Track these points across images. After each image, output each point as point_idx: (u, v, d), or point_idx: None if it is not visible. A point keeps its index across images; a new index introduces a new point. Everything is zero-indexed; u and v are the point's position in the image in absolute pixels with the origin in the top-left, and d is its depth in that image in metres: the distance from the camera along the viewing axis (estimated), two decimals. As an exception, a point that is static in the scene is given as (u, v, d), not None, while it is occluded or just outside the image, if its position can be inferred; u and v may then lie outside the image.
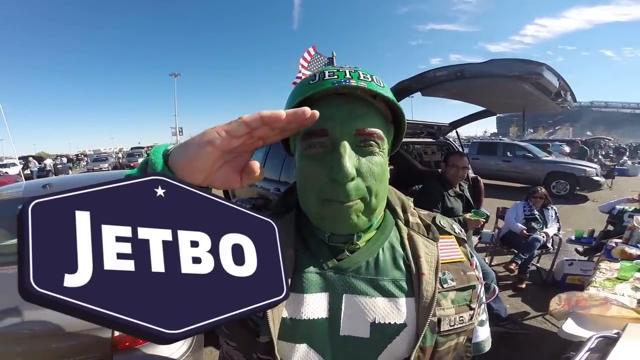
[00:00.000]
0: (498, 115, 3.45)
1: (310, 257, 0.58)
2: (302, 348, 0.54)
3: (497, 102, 2.76)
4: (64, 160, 22.59)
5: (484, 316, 0.68)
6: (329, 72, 0.54)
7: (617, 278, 2.21)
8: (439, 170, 3.52)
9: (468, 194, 2.82)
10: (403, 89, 2.21)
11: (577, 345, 1.21)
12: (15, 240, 2.04)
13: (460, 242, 0.67)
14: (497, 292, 0.71)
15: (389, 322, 0.54)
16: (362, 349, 0.54)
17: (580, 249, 4.01)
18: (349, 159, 0.51)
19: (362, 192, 0.53)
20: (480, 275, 0.67)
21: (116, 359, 1.55)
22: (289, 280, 0.50)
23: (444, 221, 0.68)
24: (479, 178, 3.53)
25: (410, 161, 4.28)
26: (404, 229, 0.62)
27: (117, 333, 1.54)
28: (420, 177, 3.97)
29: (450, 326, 0.57)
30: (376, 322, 0.54)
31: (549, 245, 3.71)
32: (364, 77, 0.53)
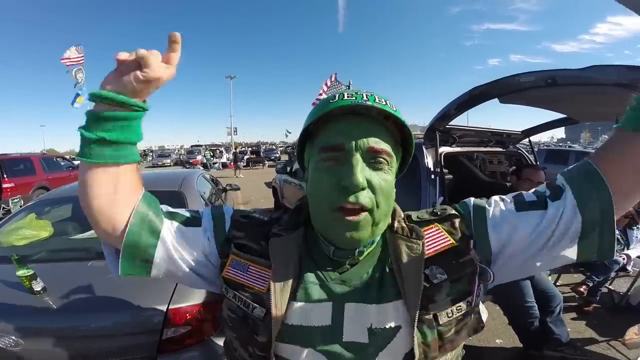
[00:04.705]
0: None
1: (316, 270, 0.64)
2: (307, 352, 0.59)
3: (585, 110, 2.44)
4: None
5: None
6: (347, 94, 0.60)
7: None
8: (508, 183, 3.21)
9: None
10: (479, 95, 2.01)
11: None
12: (82, 235, 2.20)
13: (446, 220, 0.67)
14: (491, 279, 0.62)
15: (384, 327, 0.59)
16: (363, 353, 0.58)
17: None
18: (361, 171, 0.56)
19: (371, 203, 0.58)
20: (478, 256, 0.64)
21: (160, 360, 1.55)
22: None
23: (419, 214, 0.71)
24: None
25: (472, 171, 3.96)
26: (390, 236, 0.66)
27: (165, 336, 1.55)
28: (483, 189, 3.66)
29: (449, 317, 0.60)
30: (372, 327, 0.59)
31: (629, 267, 3.27)
32: (378, 100, 0.58)
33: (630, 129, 0.56)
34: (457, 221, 0.66)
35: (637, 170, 0.56)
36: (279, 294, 0.60)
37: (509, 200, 0.67)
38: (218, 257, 0.69)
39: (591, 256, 0.61)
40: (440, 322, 0.59)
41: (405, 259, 0.61)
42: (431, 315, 0.59)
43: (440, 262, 0.62)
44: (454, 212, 0.68)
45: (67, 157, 13.98)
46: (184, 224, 0.69)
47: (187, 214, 0.71)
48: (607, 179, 0.56)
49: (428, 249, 0.63)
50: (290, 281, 0.61)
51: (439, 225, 0.67)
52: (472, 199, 0.70)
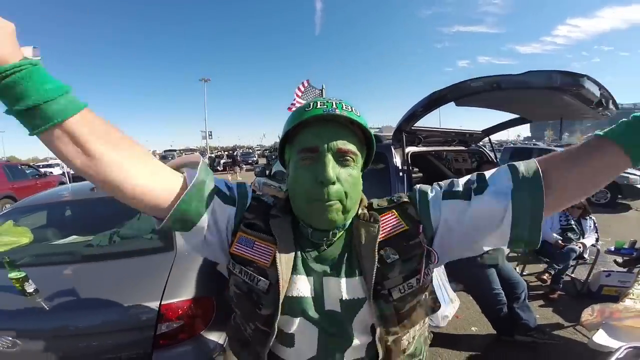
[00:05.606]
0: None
1: (300, 249, 0.75)
2: (298, 320, 0.71)
3: (533, 111, 2.68)
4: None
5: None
6: (320, 102, 0.71)
7: (658, 290, 2.06)
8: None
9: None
10: (438, 99, 2.19)
11: (606, 355, 1.13)
12: (64, 240, 2.18)
13: (400, 207, 0.78)
14: (436, 259, 0.76)
15: (353, 298, 0.70)
16: (340, 320, 0.70)
17: (619, 260, 3.78)
18: (332, 168, 0.68)
19: (341, 194, 0.69)
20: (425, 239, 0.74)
21: (156, 356, 1.57)
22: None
23: (379, 201, 0.82)
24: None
25: (440, 168, 4.22)
26: (355, 221, 0.77)
27: (159, 331, 1.58)
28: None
29: (402, 293, 0.70)
30: (344, 298, 0.70)
31: (586, 255, 3.54)
32: (345, 108, 0.70)
33: (614, 140, 0.58)
34: (408, 207, 0.77)
35: (586, 179, 0.63)
36: (285, 267, 0.70)
37: (441, 187, 0.77)
38: (232, 235, 0.77)
39: (520, 246, 0.69)
40: (394, 297, 0.69)
41: (363, 240, 0.72)
42: (386, 291, 0.69)
43: (394, 244, 0.72)
44: (406, 199, 0.79)
45: (32, 164, 13.32)
46: (224, 201, 0.76)
47: (227, 191, 0.77)
48: (552, 184, 0.63)
49: (383, 232, 0.73)
50: (292, 255, 0.72)
51: (395, 211, 0.77)
52: (419, 185, 0.81)
